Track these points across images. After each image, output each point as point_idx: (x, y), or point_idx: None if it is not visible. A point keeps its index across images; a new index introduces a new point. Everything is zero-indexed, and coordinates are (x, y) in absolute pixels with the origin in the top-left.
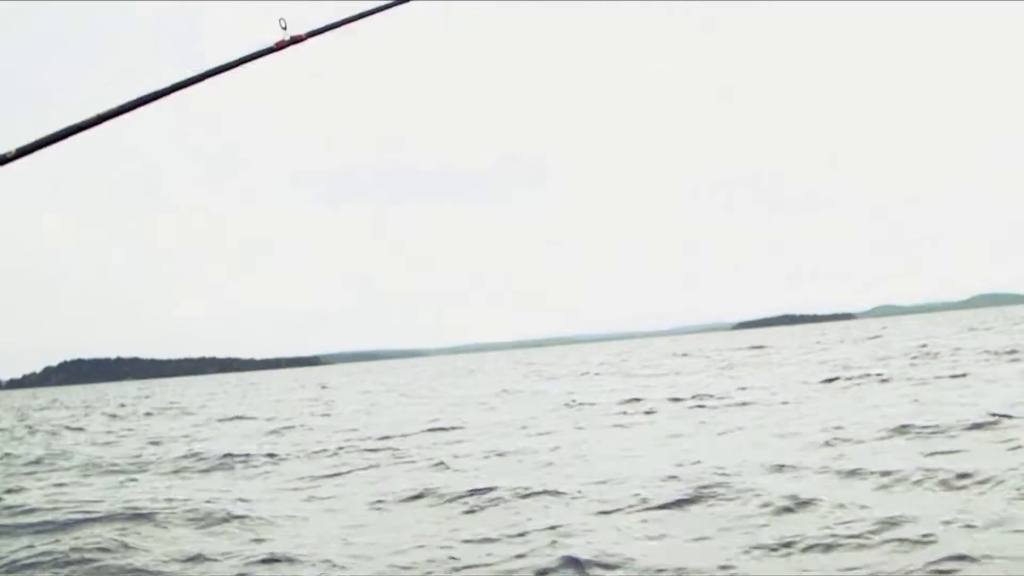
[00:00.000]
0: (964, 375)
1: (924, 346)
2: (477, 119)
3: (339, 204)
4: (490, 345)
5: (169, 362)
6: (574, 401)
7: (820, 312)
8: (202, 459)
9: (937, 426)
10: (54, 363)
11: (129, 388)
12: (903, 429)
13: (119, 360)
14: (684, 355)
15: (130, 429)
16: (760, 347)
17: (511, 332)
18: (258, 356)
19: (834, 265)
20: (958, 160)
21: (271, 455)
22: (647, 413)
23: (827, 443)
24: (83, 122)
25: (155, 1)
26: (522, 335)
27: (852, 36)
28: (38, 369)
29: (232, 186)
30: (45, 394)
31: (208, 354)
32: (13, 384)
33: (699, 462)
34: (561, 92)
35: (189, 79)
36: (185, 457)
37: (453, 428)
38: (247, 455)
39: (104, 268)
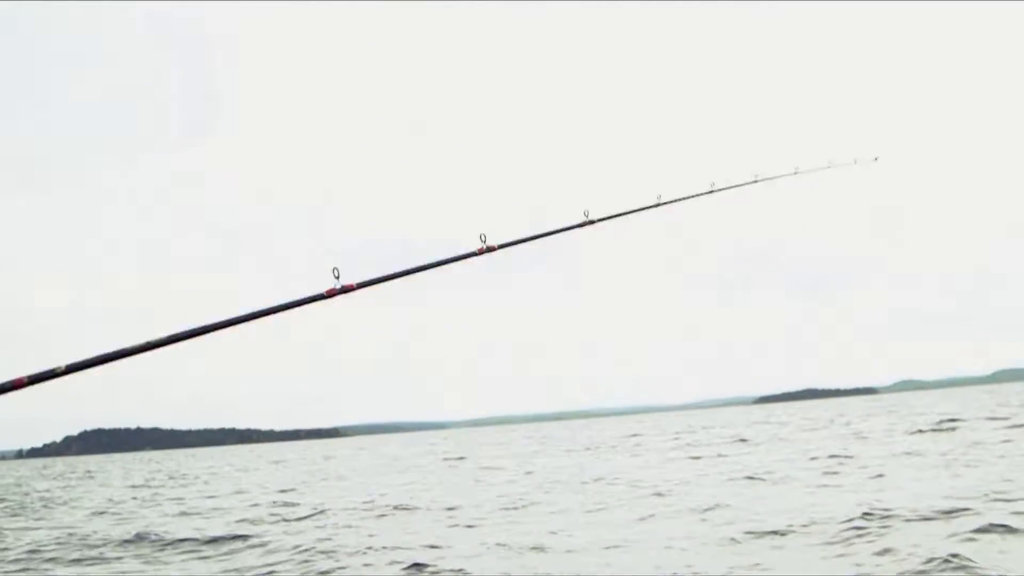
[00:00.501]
0: None
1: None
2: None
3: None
4: (511, 418)
5: (189, 432)
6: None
7: (842, 387)
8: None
9: None
10: (74, 432)
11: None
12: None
13: (139, 430)
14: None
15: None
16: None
17: (531, 406)
18: (277, 428)
19: (856, 339)
20: (983, 227)
21: None
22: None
23: None
24: (132, 347)
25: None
26: (542, 409)
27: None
28: (58, 438)
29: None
30: (78, 464)
31: (228, 425)
32: (34, 453)
33: None
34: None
35: (234, 319)
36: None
37: None
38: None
39: (121, 334)
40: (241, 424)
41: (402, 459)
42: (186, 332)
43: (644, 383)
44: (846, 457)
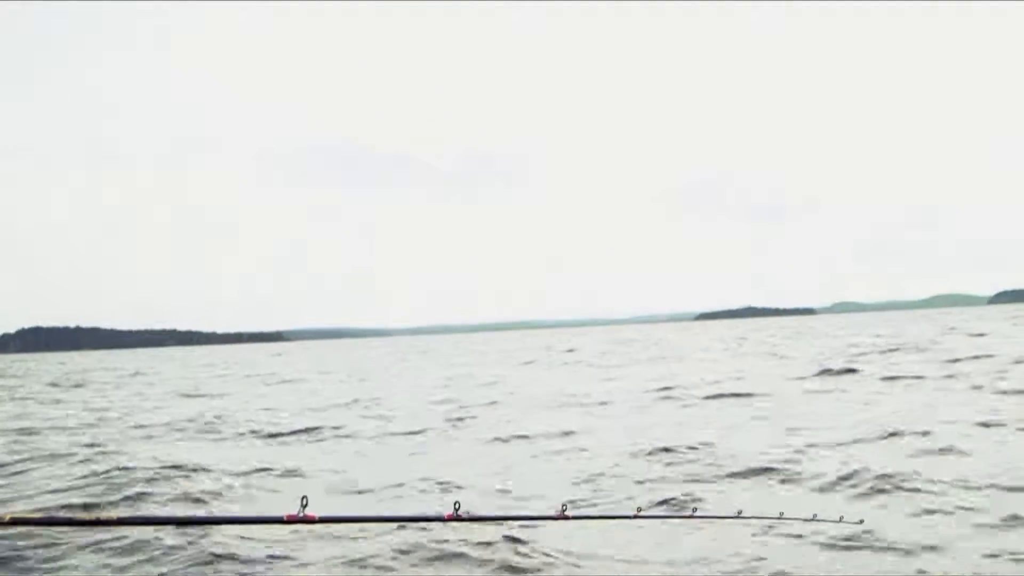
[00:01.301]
0: None
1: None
2: (449, 114)
3: (307, 186)
4: (455, 327)
5: (129, 333)
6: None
7: (782, 306)
8: None
9: None
10: (11, 330)
11: (98, 359)
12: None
13: (78, 329)
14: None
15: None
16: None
17: (477, 316)
18: (220, 330)
19: (799, 262)
20: (923, 161)
21: None
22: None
23: None
24: (81, 519)
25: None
26: (487, 319)
27: (820, 39)
28: None
29: (198, 161)
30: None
31: (169, 326)
32: None
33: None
34: (535, 90)
35: (199, 518)
36: None
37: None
38: None
39: (65, 236)
40: (182, 326)
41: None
42: (139, 518)
43: (591, 297)
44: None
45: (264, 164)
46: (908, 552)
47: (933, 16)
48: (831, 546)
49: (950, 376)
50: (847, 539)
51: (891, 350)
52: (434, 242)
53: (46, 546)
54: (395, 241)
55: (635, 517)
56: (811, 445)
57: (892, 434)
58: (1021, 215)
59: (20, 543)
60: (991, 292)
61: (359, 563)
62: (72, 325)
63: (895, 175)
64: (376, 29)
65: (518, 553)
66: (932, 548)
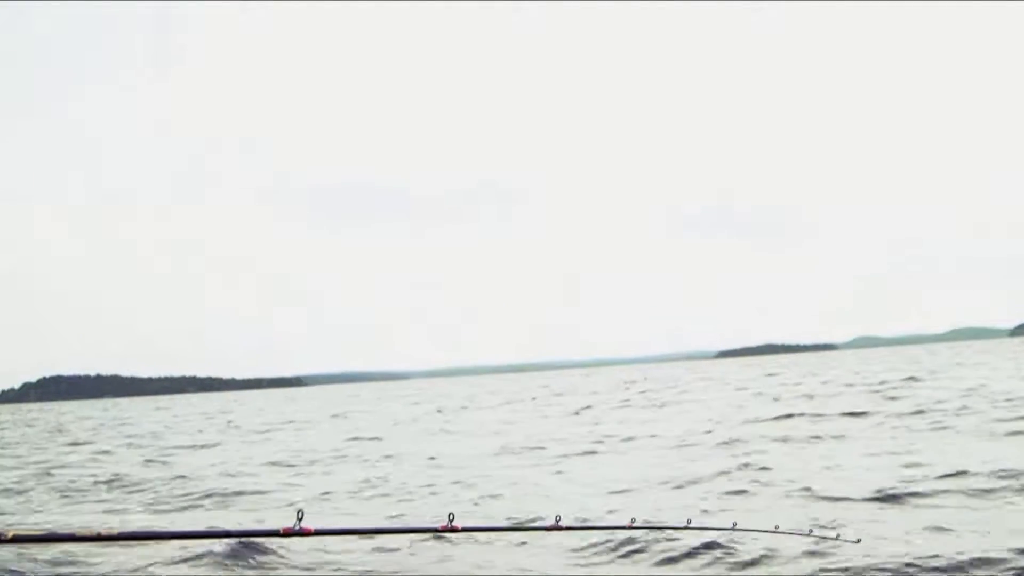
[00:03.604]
0: None
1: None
2: (452, 141)
3: (316, 225)
4: (473, 369)
5: (149, 380)
6: None
7: (802, 343)
8: None
9: None
10: (33, 379)
11: (119, 406)
12: None
13: (99, 377)
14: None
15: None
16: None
17: (494, 356)
18: (239, 376)
19: (817, 296)
20: (940, 191)
21: None
22: None
23: None
24: (82, 535)
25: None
26: (505, 360)
27: (836, 56)
28: (16, 385)
29: (206, 199)
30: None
31: (188, 372)
32: None
33: None
34: (538, 114)
35: (198, 532)
36: None
37: None
38: None
39: (83, 282)
40: (202, 372)
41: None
42: (139, 533)
43: (608, 336)
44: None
45: (273, 203)
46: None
47: (952, 29)
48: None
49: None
50: (844, 558)
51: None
52: (441, 280)
53: (51, 563)
54: (404, 280)
55: (629, 527)
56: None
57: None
58: None
59: (24, 561)
60: (1012, 324)
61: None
62: (92, 373)
63: (913, 204)
64: (379, 60)
65: (513, 566)
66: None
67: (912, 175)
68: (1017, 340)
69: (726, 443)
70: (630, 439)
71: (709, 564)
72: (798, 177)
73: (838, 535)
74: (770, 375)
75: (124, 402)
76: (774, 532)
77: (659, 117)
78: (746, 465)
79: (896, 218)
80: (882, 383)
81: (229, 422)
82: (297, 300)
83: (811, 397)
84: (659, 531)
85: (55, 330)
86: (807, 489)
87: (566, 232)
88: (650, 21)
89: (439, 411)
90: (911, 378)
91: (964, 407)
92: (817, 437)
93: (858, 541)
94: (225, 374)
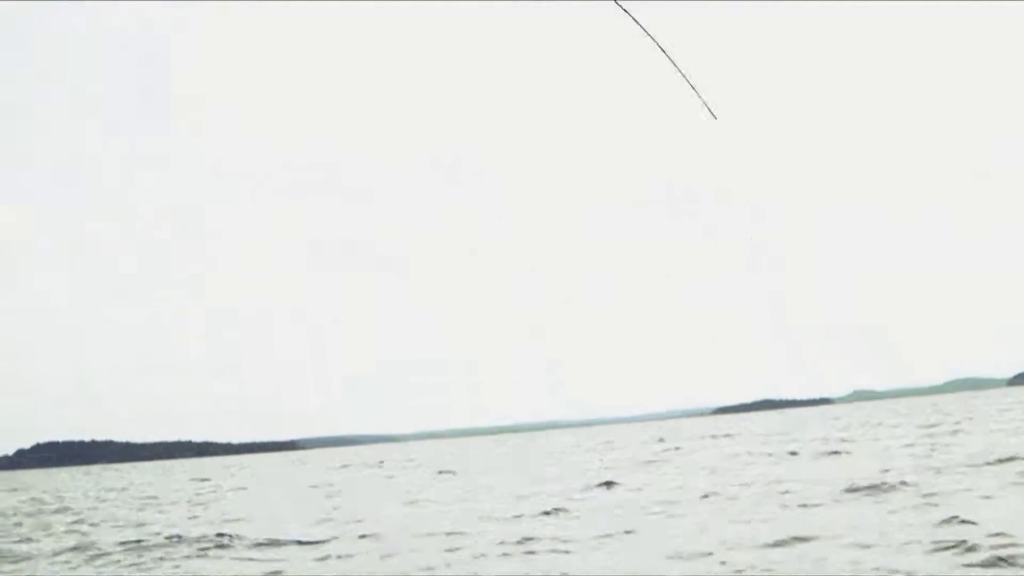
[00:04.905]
0: None
1: None
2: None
3: (314, 271)
4: (466, 431)
5: (144, 446)
6: None
7: (799, 397)
8: None
9: None
10: (27, 445)
11: (121, 474)
12: None
13: (93, 443)
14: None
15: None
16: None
17: (485, 417)
18: (235, 440)
19: (809, 349)
20: (936, 237)
21: None
22: None
23: None
24: None
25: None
26: (496, 420)
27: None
28: (11, 451)
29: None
30: (42, 480)
31: (184, 437)
32: None
33: None
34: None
35: None
36: None
37: None
38: None
39: (76, 347)
40: (198, 436)
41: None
42: None
43: (596, 394)
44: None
45: (260, 259)
46: None
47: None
48: None
49: None
50: None
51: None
52: (423, 336)
53: None
54: (384, 334)
55: None
56: None
57: None
58: None
59: None
60: (1010, 374)
61: None
62: (87, 439)
63: (905, 252)
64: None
65: None
66: None
67: (901, 220)
68: (1019, 389)
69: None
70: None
71: None
72: (792, 225)
73: None
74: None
75: (127, 468)
76: None
77: (635, 155)
78: None
79: (891, 267)
80: None
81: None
82: (284, 361)
83: None
84: None
85: (48, 394)
86: None
87: (553, 286)
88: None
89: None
90: None
91: None
92: None
93: None
94: (220, 438)
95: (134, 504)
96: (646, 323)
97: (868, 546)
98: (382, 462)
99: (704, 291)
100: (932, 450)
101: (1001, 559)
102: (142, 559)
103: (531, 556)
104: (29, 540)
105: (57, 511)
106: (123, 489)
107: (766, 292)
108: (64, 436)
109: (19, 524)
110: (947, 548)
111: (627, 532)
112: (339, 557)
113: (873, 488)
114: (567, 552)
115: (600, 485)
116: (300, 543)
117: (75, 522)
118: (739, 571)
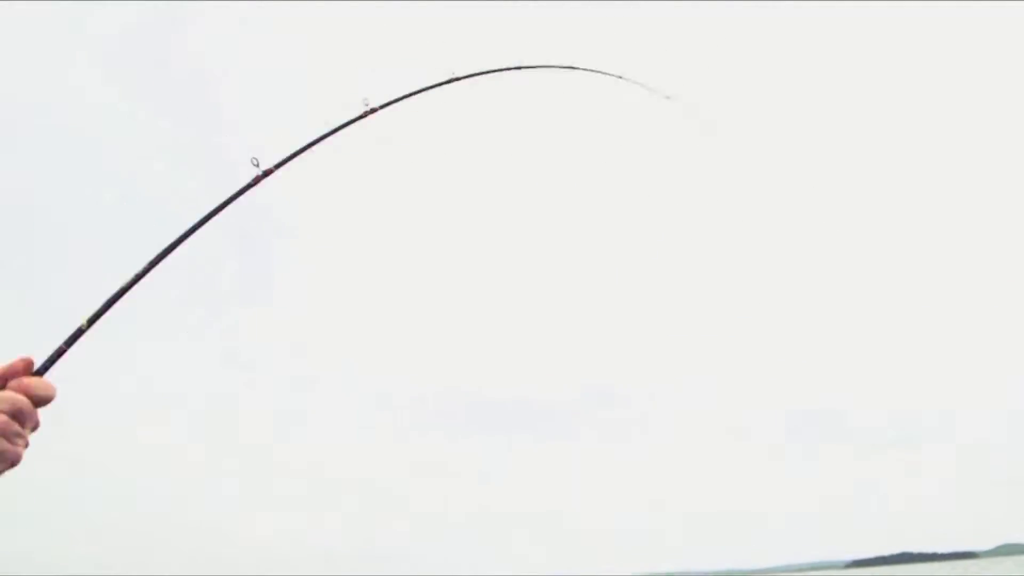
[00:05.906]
0: None
1: None
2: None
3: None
4: None
5: None
6: None
7: (940, 550)
8: None
9: None
10: None
11: None
12: None
13: None
14: None
15: None
16: None
17: (608, 566)
18: None
19: (953, 498)
20: None
21: None
22: None
23: None
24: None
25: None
26: (626, 569)
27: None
28: None
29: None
30: None
31: None
32: None
33: None
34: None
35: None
36: None
37: None
38: None
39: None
40: None
41: None
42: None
43: (725, 542)
44: None
45: (364, 419)
46: None
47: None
48: None
49: None
50: None
51: None
52: (538, 488)
53: None
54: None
55: (448, 82)
56: None
57: None
58: None
59: None
60: None
61: None
62: None
63: None
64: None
65: None
66: None
67: None
68: None
69: None
70: None
71: None
72: (920, 383)
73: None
74: None
75: None
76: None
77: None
78: None
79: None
80: None
81: None
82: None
83: None
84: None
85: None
86: None
87: (676, 436)
88: None
89: None
90: None
91: None
92: None
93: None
94: None
95: None
96: (775, 468)
97: None
98: None
99: (824, 447)
100: None
101: None
102: None
103: None
104: None
105: None
106: None
107: (904, 444)
108: None
109: None
110: None
111: None
112: None
113: None
114: None
115: None
116: None
117: None
118: None
